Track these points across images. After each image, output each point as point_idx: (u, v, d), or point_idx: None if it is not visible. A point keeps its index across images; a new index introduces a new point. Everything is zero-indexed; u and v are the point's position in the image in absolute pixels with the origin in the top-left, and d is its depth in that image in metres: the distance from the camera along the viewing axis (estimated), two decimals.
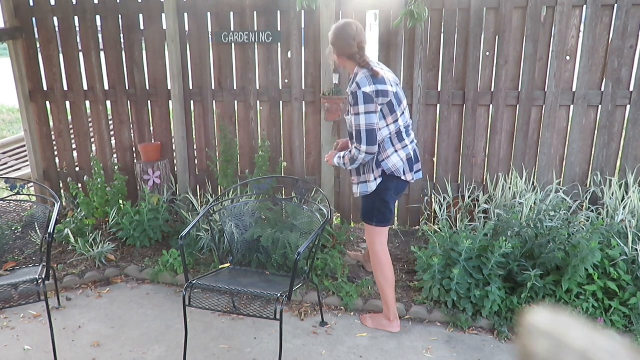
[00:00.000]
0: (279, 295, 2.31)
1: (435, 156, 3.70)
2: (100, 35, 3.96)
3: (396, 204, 3.82)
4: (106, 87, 4.04)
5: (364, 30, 2.54)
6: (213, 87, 3.88)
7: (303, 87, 3.71)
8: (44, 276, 2.51)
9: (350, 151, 2.52)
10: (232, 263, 2.85)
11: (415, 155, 2.65)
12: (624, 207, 3.08)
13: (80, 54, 4.01)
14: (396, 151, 2.55)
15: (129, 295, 3.23)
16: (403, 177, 2.58)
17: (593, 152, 3.45)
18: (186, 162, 3.98)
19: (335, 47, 2.52)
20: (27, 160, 5.31)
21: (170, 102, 3.93)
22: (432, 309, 2.92)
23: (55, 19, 3.95)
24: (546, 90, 3.40)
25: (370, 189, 2.58)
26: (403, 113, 2.57)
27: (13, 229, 3.04)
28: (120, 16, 3.87)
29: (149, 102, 4.02)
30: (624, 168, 3.41)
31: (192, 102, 3.94)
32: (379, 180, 2.56)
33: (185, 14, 3.75)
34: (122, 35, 3.91)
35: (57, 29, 3.97)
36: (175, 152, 4.06)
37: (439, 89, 3.56)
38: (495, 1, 3.32)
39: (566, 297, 2.75)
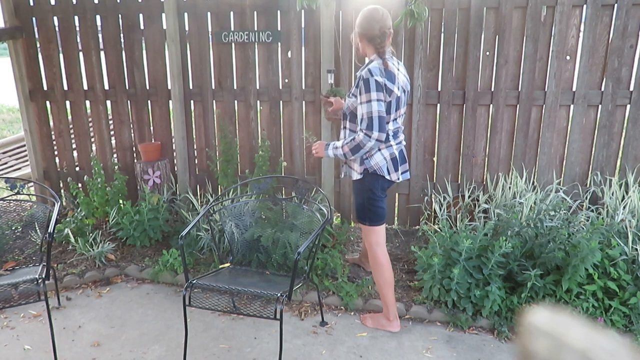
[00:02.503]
0: (279, 295, 2.31)
1: (435, 156, 3.70)
2: (100, 35, 3.96)
3: (395, 202, 3.87)
4: (106, 87, 4.05)
5: (389, 19, 2.51)
6: (213, 87, 3.88)
7: (303, 87, 3.71)
8: (44, 276, 2.51)
9: (354, 138, 2.49)
10: (232, 263, 2.85)
11: (401, 155, 2.65)
12: (624, 207, 3.08)
13: (80, 54, 4.01)
14: (379, 150, 2.56)
15: (129, 295, 3.23)
16: (387, 177, 2.58)
17: (593, 152, 3.45)
18: (186, 161, 3.98)
19: (358, 27, 2.53)
20: (27, 160, 5.32)
21: (170, 101, 3.93)
22: (432, 309, 2.92)
23: (55, 18, 3.95)
24: (546, 89, 3.40)
25: (353, 176, 2.65)
26: (396, 119, 2.57)
27: (13, 228, 3.04)
28: (120, 16, 3.87)
29: (149, 101, 4.03)
30: (624, 168, 3.41)
31: (192, 101, 3.94)
32: (360, 176, 2.60)
33: (185, 14, 3.75)
34: (122, 35, 3.91)
35: (57, 28, 3.97)
36: (175, 151, 4.06)
37: (439, 89, 3.56)
38: (495, 1, 3.32)
39: (566, 297, 2.75)
